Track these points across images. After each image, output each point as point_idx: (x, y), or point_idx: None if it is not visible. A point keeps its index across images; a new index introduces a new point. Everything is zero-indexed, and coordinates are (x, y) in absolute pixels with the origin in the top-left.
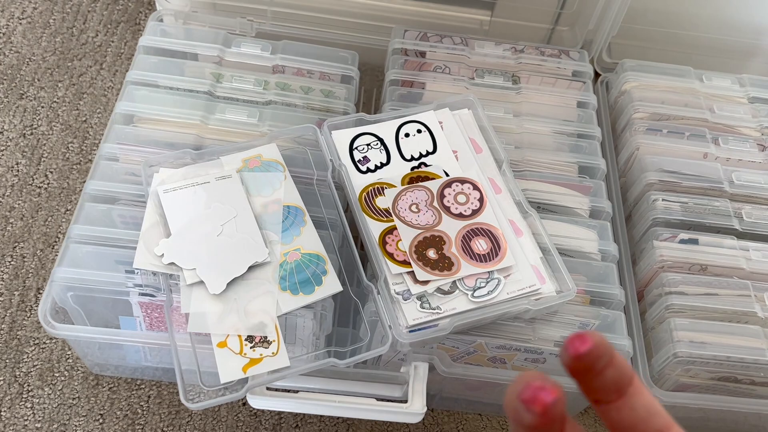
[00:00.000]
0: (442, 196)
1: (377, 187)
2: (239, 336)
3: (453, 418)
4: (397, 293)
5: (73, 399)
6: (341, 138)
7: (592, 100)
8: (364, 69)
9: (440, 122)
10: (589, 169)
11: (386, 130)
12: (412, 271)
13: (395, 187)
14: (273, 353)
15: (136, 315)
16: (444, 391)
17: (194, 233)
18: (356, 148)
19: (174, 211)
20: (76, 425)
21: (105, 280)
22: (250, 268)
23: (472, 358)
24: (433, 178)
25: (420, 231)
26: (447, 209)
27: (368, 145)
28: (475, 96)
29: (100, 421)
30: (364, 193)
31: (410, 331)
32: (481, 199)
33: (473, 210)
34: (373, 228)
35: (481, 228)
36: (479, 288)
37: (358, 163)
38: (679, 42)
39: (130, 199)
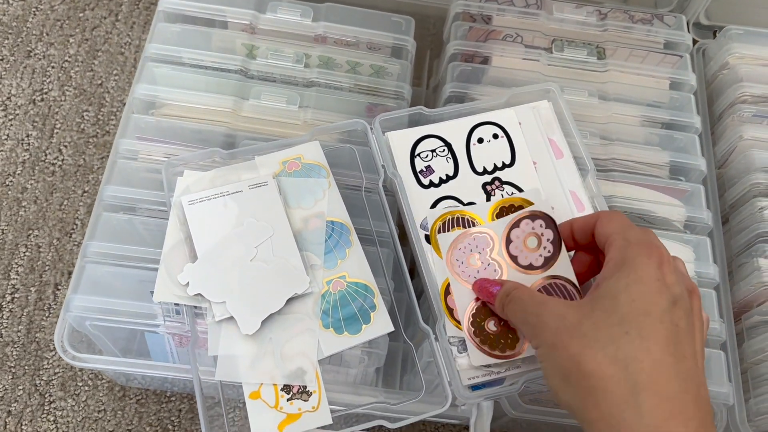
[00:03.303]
0: (508, 240)
1: (456, 218)
2: (275, 385)
3: None
4: (453, 344)
5: (99, 412)
6: (400, 142)
7: (690, 79)
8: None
9: (519, 123)
10: (684, 168)
11: (456, 132)
12: None
13: (480, 221)
14: (313, 407)
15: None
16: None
17: (224, 257)
18: (418, 154)
19: (201, 227)
20: None
21: (128, 310)
22: (288, 300)
23: (546, 396)
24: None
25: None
26: (514, 259)
27: (433, 151)
28: (556, 85)
29: None
30: (439, 223)
31: (473, 389)
32: (555, 242)
33: (546, 258)
34: (438, 271)
35: (557, 283)
36: None
37: (419, 174)
38: None
39: (154, 207)
